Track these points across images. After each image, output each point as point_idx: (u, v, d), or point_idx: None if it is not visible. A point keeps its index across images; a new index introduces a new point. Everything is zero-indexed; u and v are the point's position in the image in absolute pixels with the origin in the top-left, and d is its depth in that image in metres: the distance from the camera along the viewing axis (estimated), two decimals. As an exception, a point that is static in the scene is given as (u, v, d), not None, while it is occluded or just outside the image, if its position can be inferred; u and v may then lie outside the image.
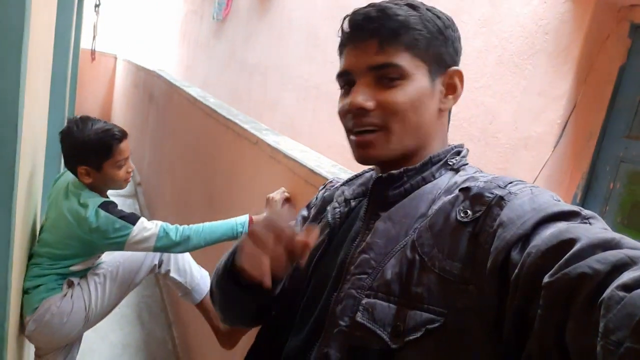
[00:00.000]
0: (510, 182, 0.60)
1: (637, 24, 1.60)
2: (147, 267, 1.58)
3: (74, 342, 1.57)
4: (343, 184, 0.84)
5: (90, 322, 1.52)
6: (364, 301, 0.62)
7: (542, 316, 0.45)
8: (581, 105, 1.68)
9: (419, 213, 0.64)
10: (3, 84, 0.94)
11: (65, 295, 1.47)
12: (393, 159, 0.69)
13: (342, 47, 0.71)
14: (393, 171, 0.68)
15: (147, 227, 1.41)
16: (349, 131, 0.70)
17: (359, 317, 0.61)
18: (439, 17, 0.69)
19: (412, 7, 0.68)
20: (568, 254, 0.45)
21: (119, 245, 1.42)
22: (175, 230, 1.40)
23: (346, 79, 0.70)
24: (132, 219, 1.42)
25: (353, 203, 0.78)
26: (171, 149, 3.40)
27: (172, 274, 1.56)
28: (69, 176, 1.56)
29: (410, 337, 0.56)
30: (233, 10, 4.62)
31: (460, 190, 0.62)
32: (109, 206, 1.44)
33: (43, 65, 1.38)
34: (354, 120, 0.68)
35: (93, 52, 5.86)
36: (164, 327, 2.77)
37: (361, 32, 0.67)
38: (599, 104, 1.68)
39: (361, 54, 0.67)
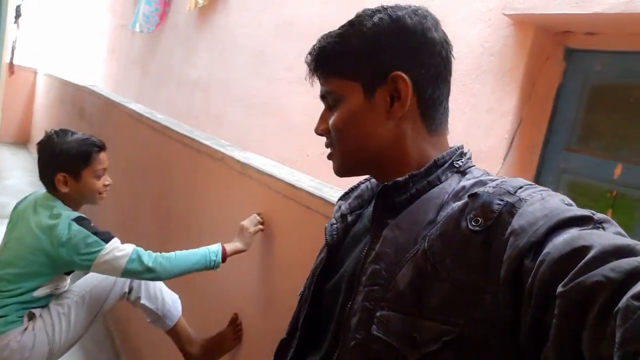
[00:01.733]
0: (520, 187, 0.59)
1: (570, 48, 1.78)
2: (117, 294, 1.50)
3: None
4: (340, 199, 0.85)
5: (53, 356, 1.41)
6: (378, 313, 0.61)
7: (558, 325, 0.44)
8: (526, 120, 1.83)
9: (428, 219, 0.63)
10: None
11: (26, 328, 1.36)
12: (349, 170, 0.75)
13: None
14: (398, 178, 0.68)
15: (119, 247, 1.35)
16: None
17: (374, 330, 0.61)
18: (376, 26, 0.68)
19: (352, 24, 0.71)
20: (582, 262, 0.44)
21: (88, 263, 1.33)
22: (149, 256, 1.34)
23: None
24: (105, 236, 1.37)
25: (349, 218, 0.79)
26: (110, 170, 3.24)
27: (142, 301, 1.49)
28: (37, 194, 1.49)
29: (428, 350, 0.56)
30: (168, 24, 4.53)
31: (469, 196, 0.61)
32: (83, 221, 1.40)
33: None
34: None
35: (12, 65, 5.47)
36: (110, 356, 2.61)
37: (309, 68, 0.75)
38: (541, 120, 1.84)
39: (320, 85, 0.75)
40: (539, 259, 0.49)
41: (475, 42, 1.92)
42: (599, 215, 0.52)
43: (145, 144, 2.53)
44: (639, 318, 0.37)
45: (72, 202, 1.46)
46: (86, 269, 1.36)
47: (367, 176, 0.82)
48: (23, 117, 7.32)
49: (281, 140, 2.86)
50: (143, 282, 1.50)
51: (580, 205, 0.55)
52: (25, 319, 1.37)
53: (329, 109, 0.74)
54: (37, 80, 7.36)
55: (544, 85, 1.81)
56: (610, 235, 0.48)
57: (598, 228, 0.50)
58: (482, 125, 1.87)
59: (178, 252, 1.36)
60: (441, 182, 0.67)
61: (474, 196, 0.60)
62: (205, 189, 1.81)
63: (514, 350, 0.52)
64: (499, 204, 0.57)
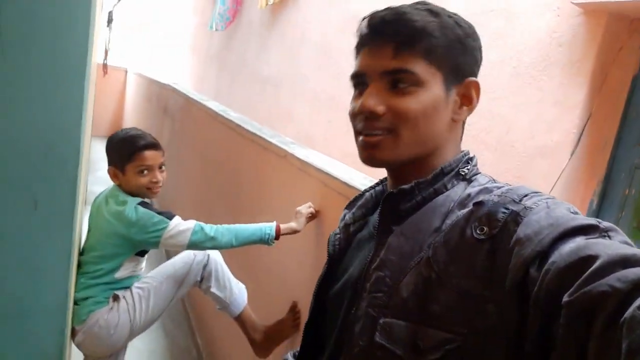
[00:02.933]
0: (525, 195, 0.58)
1: (648, 36, 1.67)
2: (190, 282, 1.65)
3: (119, 350, 1.64)
4: (345, 207, 0.84)
5: (134, 333, 1.59)
6: (381, 320, 0.61)
7: (563, 335, 0.44)
8: (596, 114, 1.74)
9: (433, 227, 0.62)
10: (67, 107, 1.02)
11: (111, 308, 1.54)
12: (399, 163, 0.68)
13: (359, 48, 0.71)
14: (404, 186, 0.67)
15: (182, 223, 1.50)
16: (357, 132, 0.69)
17: (377, 337, 0.61)
18: (459, 25, 0.67)
19: (433, 13, 0.66)
20: (588, 272, 0.44)
21: (156, 239, 1.49)
22: (210, 227, 1.49)
23: (359, 80, 0.70)
24: (168, 214, 1.52)
25: (352, 228, 0.78)
26: (189, 162, 3.48)
27: (212, 289, 1.63)
28: (108, 188, 1.67)
29: (430, 358, 0.56)
30: (243, 22, 4.72)
31: (474, 204, 0.60)
32: (146, 205, 1.56)
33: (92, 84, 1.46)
34: (364, 123, 0.67)
35: (105, 66, 5.97)
36: (187, 334, 2.84)
37: (377, 35, 0.66)
38: (613, 114, 1.74)
39: (376, 57, 0.66)
40: (545, 268, 0.49)
41: (543, 33, 1.85)
42: (604, 224, 0.51)
43: (220, 139, 2.70)
44: None
45: (129, 193, 1.60)
46: (156, 246, 1.52)
47: (372, 184, 0.81)
48: (115, 112, 7.96)
49: (345, 135, 2.92)
50: (213, 271, 1.63)
51: None
52: (111, 300, 1.55)
53: (388, 87, 0.66)
54: (127, 78, 7.96)
55: (617, 77, 1.72)
56: (616, 244, 0.48)
57: (604, 237, 0.50)
58: (548, 119, 1.81)
59: (236, 225, 1.50)
60: (447, 190, 0.66)
61: (479, 204, 0.59)
62: (269, 183, 1.92)
63: None
64: (504, 213, 0.56)
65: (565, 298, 0.44)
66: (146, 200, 1.60)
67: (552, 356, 0.46)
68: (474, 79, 0.68)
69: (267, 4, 3.89)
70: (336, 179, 1.38)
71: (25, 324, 1.03)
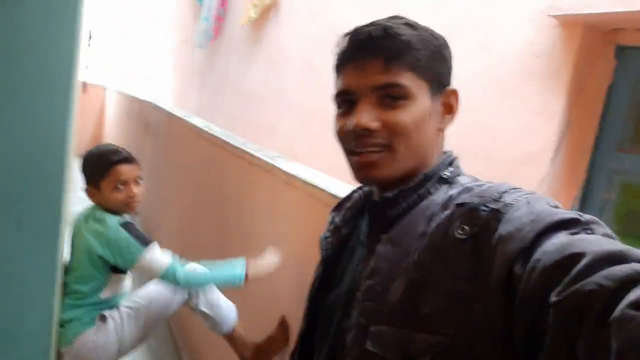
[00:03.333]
0: (505, 192, 0.58)
1: (622, 46, 1.73)
2: (178, 302, 1.62)
3: None
4: (333, 210, 0.85)
5: (122, 352, 1.55)
6: (372, 328, 0.61)
7: (552, 334, 0.44)
8: (575, 122, 1.79)
9: (419, 232, 0.62)
10: (52, 124, 1.01)
11: (99, 329, 1.51)
12: (396, 179, 0.68)
13: (341, 65, 0.70)
14: (388, 195, 0.67)
15: (157, 257, 1.48)
16: (349, 152, 0.69)
17: (369, 345, 0.61)
18: (435, 37, 0.69)
19: (411, 26, 0.68)
20: (574, 271, 0.44)
21: (130, 263, 1.49)
22: (181, 274, 1.48)
23: (345, 98, 0.69)
24: (145, 240, 1.49)
25: (344, 231, 0.78)
26: (173, 178, 3.45)
27: (201, 307, 1.61)
28: (87, 207, 1.64)
29: None
30: (225, 38, 4.74)
31: (456, 205, 0.60)
32: (128, 225, 1.52)
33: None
34: (357, 141, 0.66)
35: (85, 84, 5.92)
36: (172, 352, 2.80)
37: (364, 51, 0.66)
38: (591, 121, 1.79)
39: (364, 73, 0.66)
40: (529, 265, 0.48)
41: (522, 44, 1.90)
42: (586, 217, 0.51)
43: (204, 155, 2.69)
44: (634, 327, 0.37)
45: (108, 210, 1.56)
46: (130, 269, 1.53)
47: (359, 185, 0.80)
48: (94, 131, 7.86)
49: (330, 148, 2.93)
50: (201, 290, 1.62)
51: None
52: (97, 320, 1.52)
53: (378, 102, 0.66)
54: (107, 96, 7.90)
55: (593, 85, 1.77)
56: (601, 240, 0.47)
57: (586, 230, 0.50)
58: (529, 127, 1.85)
59: (208, 272, 1.51)
60: (431, 194, 0.67)
61: (460, 205, 0.60)
62: (255, 197, 1.92)
63: (505, 359, 0.51)
64: (484, 211, 0.56)
65: (553, 298, 0.44)
66: (129, 220, 1.57)
67: (541, 356, 0.46)
68: (453, 87, 0.71)
69: (249, 20, 3.92)
70: (323, 190, 1.38)
71: (8, 345, 1.00)
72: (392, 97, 0.65)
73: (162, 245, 1.56)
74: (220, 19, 4.69)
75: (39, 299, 1.06)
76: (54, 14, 0.95)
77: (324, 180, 1.47)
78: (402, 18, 0.70)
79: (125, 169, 1.57)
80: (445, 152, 0.73)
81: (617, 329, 0.38)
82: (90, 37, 5.56)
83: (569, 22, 1.75)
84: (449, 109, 0.70)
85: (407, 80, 0.65)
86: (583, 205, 1.84)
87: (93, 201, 1.59)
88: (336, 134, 0.71)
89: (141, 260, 1.46)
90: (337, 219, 0.80)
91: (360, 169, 0.68)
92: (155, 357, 2.75)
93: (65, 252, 1.69)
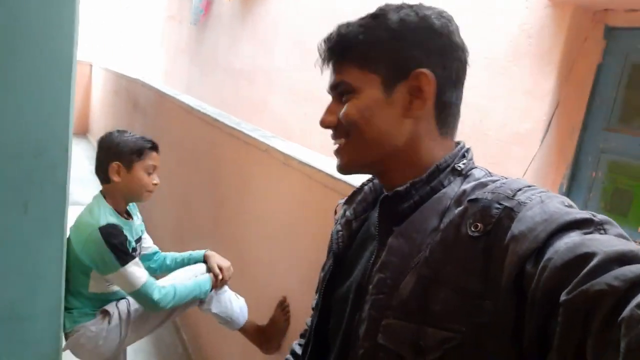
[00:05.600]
0: (519, 190, 0.58)
1: (611, 27, 1.76)
2: (188, 306, 1.63)
3: (117, 356, 1.63)
4: (345, 202, 0.84)
5: (123, 346, 1.58)
6: (383, 322, 0.62)
7: (561, 333, 0.44)
8: (564, 102, 1.82)
9: (431, 227, 0.63)
10: (55, 109, 1.02)
11: (100, 322, 1.52)
12: (359, 166, 0.72)
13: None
14: (398, 188, 0.67)
15: (133, 276, 1.45)
16: None
17: (380, 338, 0.61)
18: (402, 21, 0.67)
19: (375, 16, 0.68)
20: (585, 270, 0.44)
21: (104, 273, 1.47)
22: (154, 297, 1.47)
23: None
24: (124, 258, 1.44)
25: (354, 224, 0.79)
26: (165, 158, 3.43)
27: (214, 310, 1.63)
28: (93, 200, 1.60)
29: (431, 357, 0.57)
30: (214, 15, 4.67)
31: (468, 201, 0.60)
32: (110, 231, 1.44)
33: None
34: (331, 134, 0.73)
35: (70, 61, 5.80)
36: (171, 331, 2.84)
37: (324, 57, 0.72)
38: (580, 101, 1.83)
39: (330, 75, 0.73)
40: (541, 265, 0.49)
41: (513, 25, 1.92)
42: (599, 217, 0.51)
43: (196, 135, 2.69)
44: None
45: (120, 195, 1.55)
46: (103, 276, 1.49)
47: (369, 177, 0.82)
48: (81, 109, 7.75)
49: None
50: (214, 295, 1.64)
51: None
52: (99, 314, 1.53)
53: (339, 100, 0.71)
54: (93, 73, 7.76)
55: (583, 66, 1.80)
56: (613, 240, 0.47)
57: (599, 230, 0.50)
58: (520, 108, 1.89)
59: (177, 290, 1.54)
60: (444, 187, 0.66)
61: (473, 201, 0.60)
62: (251, 178, 1.94)
63: (515, 357, 0.52)
64: (498, 209, 0.56)
65: (563, 296, 0.44)
66: (114, 224, 1.48)
67: (550, 355, 0.46)
68: (421, 69, 0.66)
69: (237, -4, 3.86)
70: (321, 171, 1.41)
71: (22, 328, 1.03)
72: (342, 93, 0.70)
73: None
74: (209, -5, 4.62)
75: (48, 280, 1.09)
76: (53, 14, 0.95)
77: (321, 161, 1.50)
78: (383, 7, 0.70)
79: (156, 156, 1.61)
80: (458, 143, 0.72)
81: (626, 328, 0.38)
82: (75, 13, 5.43)
83: (559, 3, 1.77)
84: (418, 93, 0.66)
85: (352, 76, 0.68)
86: (572, 184, 1.90)
87: (114, 180, 1.53)
88: None
89: (113, 278, 1.46)
90: (348, 213, 0.80)
91: (335, 157, 0.74)
92: (154, 336, 2.80)
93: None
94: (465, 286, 0.56)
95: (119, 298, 1.60)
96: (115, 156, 1.54)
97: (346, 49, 0.69)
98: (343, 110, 0.69)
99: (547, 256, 0.48)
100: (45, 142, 1.01)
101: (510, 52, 1.92)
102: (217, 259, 1.70)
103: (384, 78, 0.67)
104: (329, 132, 0.73)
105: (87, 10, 7.40)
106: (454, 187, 0.66)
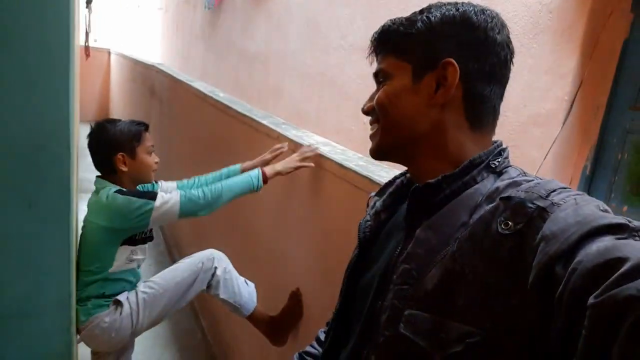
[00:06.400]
0: (553, 191, 0.58)
1: (639, -1, 1.65)
2: (196, 291, 1.64)
3: (126, 346, 1.66)
4: (376, 194, 0.86)
5: (136, 334, 1.60)
6: (406, 312, 0.62)
7: (587, 338, 0.44)
8: (587, 81, 1.73)
9: (460, 222, 0.63)
10: (55, 104, 1.00)
11: (113, 312, 1.54)
12: (384, 150, 0.76)
13: None
14: (430, 180, 0.68)
15: (166, 199, 1.48)
16: None
17: (402, 328, 0.62)
18: (442, 15, 0.71)
19: (421, 11, 0.73)
20: (616, 274, 0.43)
21: (144, 222, 1.48)
22: (198, 196, 1.47)
23: None
24: (150, 195, 1.49)
25: (383, 216, 0.81)
26: (181, 143, 3.45)
27: (221, 296, 1.64)
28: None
29: (452, 350, 0.57)
30: (227, -1, 4.61)
31: (501, 199, 0.60)
32: (124, 190, 1.52)
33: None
34: None
35: (87, 48, 5.83)
36: (190, 318, 2.87)
37: (370, 47, 0.78)
38: (604, 79, 1.73)
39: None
40: (571, 267, 0.48)
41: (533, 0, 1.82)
42: (635, 223, 0.50)
43: (209, 121, 2.67)
44: None
45: (130, 181, 1.58)
46: (145, 228, 1.51)
47: (402, 171, 0.83)
48: (101, 96, 7.84)
49: (338, 109, 2.90)
50: (221, 279, 1.62)
51: None
52: (112, 305, 1.55)
53: (379, 88, 0.76)
54: (111, 60, 7.81)
55: (607, 42, 1.70)
56: None
57: (634, 237, 0.48)
58: (540, 87, 1.80)
59: (224, 183, 1.51)
60: (477, 183, 0.67)
61: (505, 199, 0.59)
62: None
63: (536, 357, 0.51)
64: (530, 208, 0.56)
65: (591, 300, 0.44)
66: (122, 189, 1.54)
67: (576, 356, 0.45)
68: (449, 59, 0.68)
69: (250, -22, 3.79)
70: (330, 159, 1.37)
71: (32, 324, 1.03)
72: (380, 80, 0.76)
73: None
74: (223, -22, 4.55)
75: (55, 275, 1.09)
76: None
77: (331, 149, 1.46)
78: (423, 8, 0.73)
79: (150, 136, 1.64)
80: (495, 142, 0.73)
81: None
82: (89, 1, 5.44)
83: (583, -25, 1.67)
84: (444, 82, 0.69)
85: (387, 64, 0.74)
86: (596, 166, 1.81)
87: (122, 170, 1.57)
88: None
89: (155, 213, 1.46)
90: (378, 204, 0.82)
91: None
92: (173, 322, 2.84)
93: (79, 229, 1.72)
94: (492, 283, 0.56)
95: (132, 282, 1.61)
96: (118, 147, 1.56)
97: (387, 40, 0.75)
98: (377, 95, 0.74)
99: (577, 258, 0.48)
100: (45, 138, 0.99)
101: (529, 28, 1.83)
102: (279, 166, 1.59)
103: (415, 67, 0.71)
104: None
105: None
106: (487, 184, 0.66)
